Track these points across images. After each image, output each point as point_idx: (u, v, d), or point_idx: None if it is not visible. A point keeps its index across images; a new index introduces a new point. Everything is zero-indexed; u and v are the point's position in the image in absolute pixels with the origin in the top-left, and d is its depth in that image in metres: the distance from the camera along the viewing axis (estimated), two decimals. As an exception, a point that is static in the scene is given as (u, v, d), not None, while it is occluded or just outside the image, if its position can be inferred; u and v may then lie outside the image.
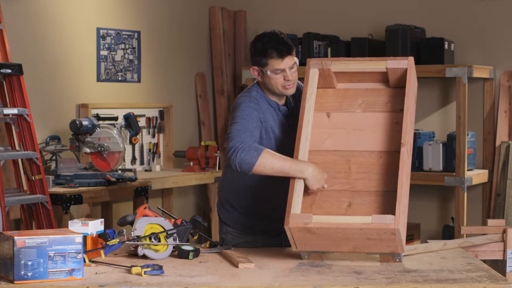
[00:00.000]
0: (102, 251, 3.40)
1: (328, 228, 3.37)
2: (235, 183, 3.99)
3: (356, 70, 3.76)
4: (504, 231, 3.93)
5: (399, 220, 3.33)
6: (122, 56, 6.76)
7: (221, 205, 4.11)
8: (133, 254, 3.58)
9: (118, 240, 3.44)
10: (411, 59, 3.73)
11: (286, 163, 3.57)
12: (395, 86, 3.78)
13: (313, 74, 3.77)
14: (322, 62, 3.77)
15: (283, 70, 3.79)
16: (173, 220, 3.66)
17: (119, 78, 6.75)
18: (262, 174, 3.62)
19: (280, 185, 3.74)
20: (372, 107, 3.74)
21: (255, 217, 4.00)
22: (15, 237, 3.06)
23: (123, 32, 6.78)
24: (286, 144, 3.83)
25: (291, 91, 3.86)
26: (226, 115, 7.47)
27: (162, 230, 3.53)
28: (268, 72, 3.80)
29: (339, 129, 3.71)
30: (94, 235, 3.46)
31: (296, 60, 3.85)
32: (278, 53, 3.77)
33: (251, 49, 3.87)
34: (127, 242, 3.50)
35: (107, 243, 3.42)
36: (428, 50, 6.60)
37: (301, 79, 3.92)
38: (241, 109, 3.77)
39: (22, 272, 3.06)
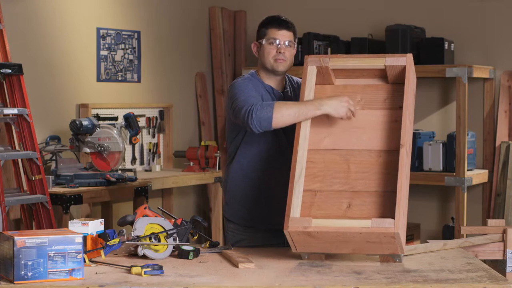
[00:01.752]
0: (102, 251, 3.40)
1: (327, 232, 3.36)
2: (236, 176, 4.02)
3: (354, 67, 3.75)
4: (504, 231, 3.93)
5: (399, 224, 3.32)
6: (122, 56, 6.76)
7: (225, 202, 4.14)
8: (133, 254, 3.58)
9: (118, 240, 3.44)
10: (409, 56, 3.70)
11: (301, 106, 3.66)
12: (394, 82, 3.75)
13: (311, 72, 3.76)
14: (320, 59, 3.76)
15: (278, 42, 3.96)
16: (173, 220, 3.66)
17: (119, 78, 6.75)
18: (283, 126, 3.71)
19: (281, 175, 3.76)
20: (371, 104, 3.73)
21: (255, 208, 3.98)
22: (15, 237, 3.06)
23: (123, 32, 6.78)
24: (282, 129, 3.87)
25: (281, 67, 3.98)
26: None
27: (162, 230, 3.53)
28: (264, 41, 3.98)
29: (338, 127, 3.70)
30: (94, 235, 3.46)
31: (295, 44, 4.03)
32: (276, 24, 4.00)
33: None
34: (127, 242, 3.50)
35: (107, 243, 3.42)
36: (428, 50, 6.60)
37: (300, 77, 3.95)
38: (239, 86, 3.91)
39: (22, 272, 3.06)
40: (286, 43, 3.98)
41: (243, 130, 3.93)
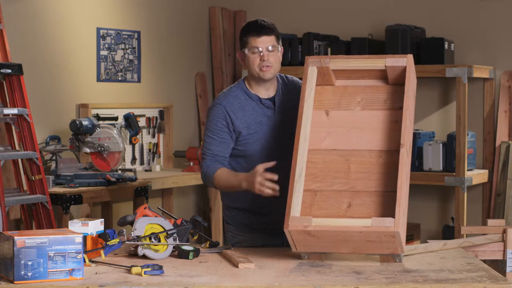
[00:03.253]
0: (102, 251, 3.40)
1: (327, 231, 3.36)
2: None
3: (355, 67, 3.75)
4: (504, 231, 3.93)
5: (399, 223, 3.32)
6: (122, 56, 6.76)
7: (224, 207, 4.14)
8: (133, 254, 3.58)
9: (118, 240, 3.44)
10: (410, 56, 3.71)
11: (229, 180, 3.89)
12: (394, 83, 3.76)
13: (312, 72, 3.76)
14: (320, 60, 3.76)
15: (260, 50, 3.91)
16: (173, 220, 3.66)
17: (119, 78, 6.75)
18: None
19: (279, 184, 3.75)
20: (371, 105, 3.73)
21: (254, 215, 4.01)
22: (15, 237, 3.06)
23: (123, 32, 6.78)
24: (273, 136, 3.94)
25: (267, 74, 3.94)
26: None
27: (162, 230, 3.53)
28: (246, 51, 3.94)
29: (338, 128, 3.70)
30: (94, 235, 3.46)
31: (279, 46, 3.96)
32: (255, 32, 3.93)
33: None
34: (127, 242, 3.50)
35: (107, 243, 3.42)
36: (428, 50, 6.60)
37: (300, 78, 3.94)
38: (209, 121, 4.01)
39: (22, 272, 3.06)
40: (270, 48, 3.92)
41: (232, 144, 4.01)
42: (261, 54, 3.91)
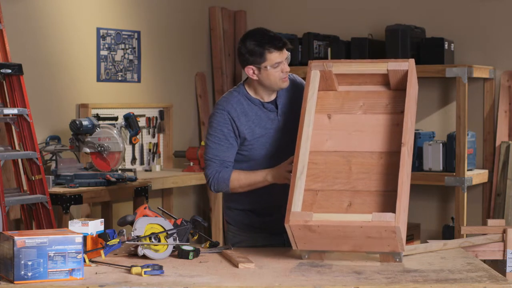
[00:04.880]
0: (102, 251, 3.40)
1: (328, 226, 3.37)
2: None
3: (357, 72, 3.77)
4: (504, 231, 3.93)
5: (399, 218, 3.33)
6: (122, 56, 6.76)
7: (226, 207, 4.14)
8: (133, 254, 3.58)
9: (118, 240, 3.44)
10: (412, 61, 3.74)
11: (251, 179, 3.88)
12: (396, 88, 3.79)
13: (315, 76, 3.79)
14: (323, 64, 3.79)
15: (281, 63, 3.85)
16: (173, 220, 3.66)
17: (119, 78, 6.75)
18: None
19: (280, 185, 3.77)
20: (373, 109, 3.75)
21: (255, 216, 4.01)
22: (15, 237, 3.06)
23: (123, 32, 6.78)
24: (278, 139, 3.93)
25: (287, 83, 3.92)
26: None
27: (162, 230, 3.53)
28: (268, 67, 3.83)
29: (340, 130, 3.72)
30: (94, 235, 3.46)
31: (288, 53, 3.93)
32: (276, 47, 3.83)
33: (241, 50, 3.88)
34: (127, 242, 3.50)
35: (107, 243, 3.42)
36: (428, 50, 6.61)
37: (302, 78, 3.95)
38: (213, 127, 3.93)
39: (22, 272, 3.06)
40: (287, 59, 3.89)
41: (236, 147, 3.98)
42: (282, 66, 3.86)
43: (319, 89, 3.79)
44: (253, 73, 3.87)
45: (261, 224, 4.02)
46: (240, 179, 3.88)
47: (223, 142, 3.91)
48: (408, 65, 3.72)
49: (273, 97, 3.98)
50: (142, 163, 6.91)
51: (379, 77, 3.78)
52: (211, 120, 3.95)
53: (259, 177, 3.85)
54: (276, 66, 3.83)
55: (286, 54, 3.86)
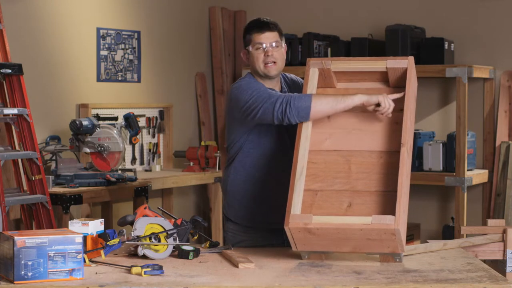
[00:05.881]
0: (102, 251, 3.40)
1: (328, 228, 3.37)
2: (238, 176, 4.00)
3: (356, 69, 3.77)
4: (504, 231, 3.93)
5: (399, 221, 3.33)
6: (122, 56, 6.76)
7: (226, 202, 4.11)
8: (133, 254, 3.58)
9: (118, 240, 3.45)
10: (411, 58, 3.73)
11: (338, 97, 3.64)
12: (395, 86, 3.78)
13: (313, 74, 3.78)
14: (322, 61, 3.78)
15: (264, 46, 3.91)
16: (173, 220, 3.66)
17: (119, 78, 6.75)
18: (320, 117, 3.67)
19: (283, 176, 3.74)
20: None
21: (257, 207, 3.98)
22: (15, 237, 3.06)
23: (123, 32, 6.78)
24: (285, 130, 3.90)
25: (272, 71, 3.94)
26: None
27: (162, 230, 3.53)
28: (250, 48, 3.95)
29: (339, 129, 3.71)
30: (94, 235, 3.46)
31: (282, 43, 3.96)
32: (258, 28, 3.95)
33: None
34: (127, 242, 3.50)
35: (107, 243, 3.42)
36: (428, 50, 6.60)
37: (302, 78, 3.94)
38: (249, 85, 3.86)
39: (22, 272, 3.06)
40: (273, 44, 3.93)
41: (248, 130, 3.92)
42: (265, 50, 3.92)
43: (317, 86, 3.78)
44: (245, 58, 4.01)
45: (263, 218, 3.97)
46: (326, 97, 3.67)
47: (265, 87, 3.86)
48: (407, 63, 3.71)
49: (277, 88, 4.00)
50: (142, 163, 6.91)
51: (378, 74, 3.77)
52: (240, 85, 3.90)
53: (346, 96, 3.65)
54: (258, 47, 3.93)
55: (271, 38, 3.93)
